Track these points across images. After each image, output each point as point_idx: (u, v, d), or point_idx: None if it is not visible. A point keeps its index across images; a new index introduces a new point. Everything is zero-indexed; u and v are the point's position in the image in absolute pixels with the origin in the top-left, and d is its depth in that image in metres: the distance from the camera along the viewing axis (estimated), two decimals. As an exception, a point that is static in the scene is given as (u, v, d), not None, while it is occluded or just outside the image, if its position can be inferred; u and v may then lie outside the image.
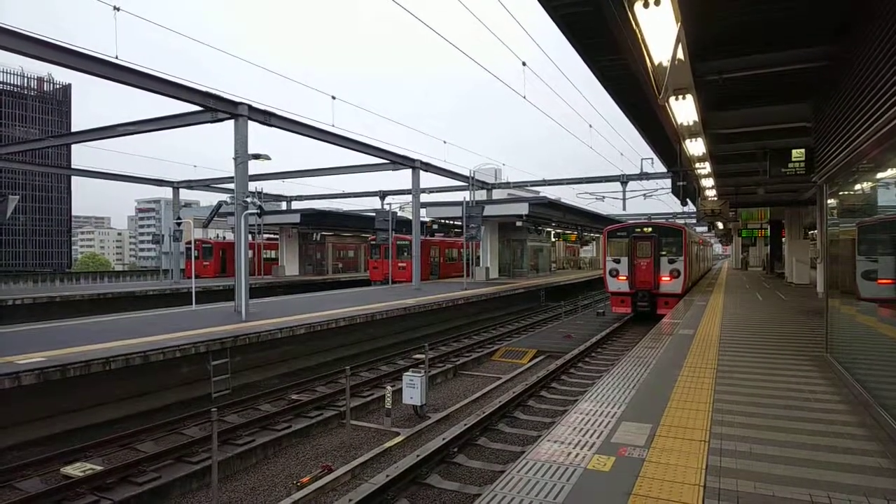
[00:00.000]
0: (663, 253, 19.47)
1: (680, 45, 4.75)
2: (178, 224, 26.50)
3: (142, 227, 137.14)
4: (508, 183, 35.67)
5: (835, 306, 7.99)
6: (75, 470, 7.19)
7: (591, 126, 24.61)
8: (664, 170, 24.09)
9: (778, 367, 7.95)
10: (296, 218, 33.74)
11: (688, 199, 26.21)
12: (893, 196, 5.45)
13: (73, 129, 61.94)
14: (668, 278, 19.22)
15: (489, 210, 27.46)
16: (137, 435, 8.74)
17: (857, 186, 6.95)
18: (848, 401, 6.18)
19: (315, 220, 35.32)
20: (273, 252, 39.45)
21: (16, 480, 7.06)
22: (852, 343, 7.26)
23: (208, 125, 15.59)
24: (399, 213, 34.46)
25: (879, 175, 5.85)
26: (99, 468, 7.27)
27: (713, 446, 4.82)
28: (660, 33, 4.67)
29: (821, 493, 3.91)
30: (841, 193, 7.72)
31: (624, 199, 28.39)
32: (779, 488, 3.98)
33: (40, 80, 68.63)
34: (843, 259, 7.51)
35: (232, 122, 15.19)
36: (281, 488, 7.12)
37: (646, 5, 4.24)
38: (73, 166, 50.39)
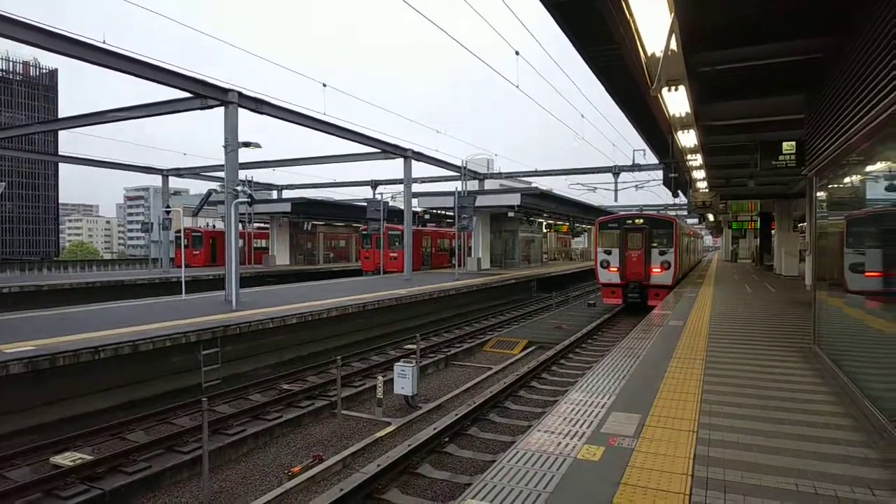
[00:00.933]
0: (654, 244, 19.56)
1: (673, 36, 4.73)
2: (168, 212, 26.28)
3: (130, 215, 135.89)
4: (500, 173, 35.62)
5: (822, 298, 8.07)
6: (65, 459, 7.15)
7: (583, 116, 24.60)
8: (656, 161, 24.17)
9: (766, 358, 8.04)
10: (287, 207, 33.57)
11: (679, 191, 26.34)
12: (881, 189, 5.49)
13: (61, 115, 61.11)
14: (658, 270, 19.33)
15: (481, 200, 27.44)
16: (127, 424, 8.70)
17: (847, 179, 7.00)
18: (835, 392, 6.26)
19: (306, 210, 35.15)
20: (264, 241, 39.24)
21: (5, 470, 7.02)
22: (839, 335, 7.35)
23: (199, 113, 15.43)
24: (391, 203, 34.33)
25: (868, 168, 5.89)
26: (89, 458, 7.23)
27: (701, 436, 4.87)
28: (653, 23, 4.65)
29: (807, 482, 3.96)
30: (830, 186, 7.78)
31: (616, 191, 28.42)
32: (765, 478, 4.03)
33: (26, 64, 67.62)
34: (831, 251, 7.57)
35: (222, 109, 15.04)
36: (272, 477, 7.12)
37: (640, -5, 4.22)
38: (60, 153, 49.70)
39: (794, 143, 9.79)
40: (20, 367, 8.06)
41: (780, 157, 9.88)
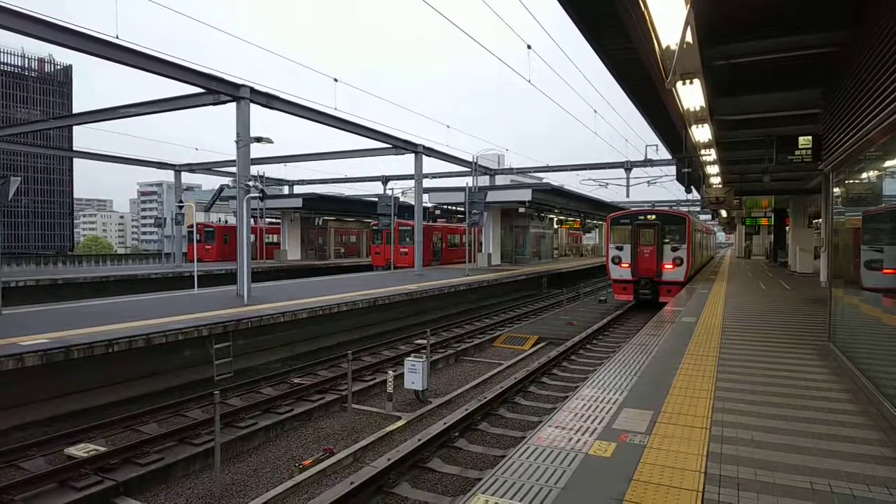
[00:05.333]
0: (666, 241, 19.40)
1: (689, 28, 4.66)
2: (181, 207, 26.54)
3: (144, 210, 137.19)
4: (511, 169, 35.50)
5: (838, 295, 7.96)
6: (79, 451, 7.24)
7: (595, 111, 24.42)
8: (669, 157, 23.95)
9: (780, 355, 7.95)
10: (298, 202, 33.71)
11: (692, 187, 26.10)
12: (900, 185, 5.39)
13: (75, 111, 61.67)
14: (670, 266, 19.18)
15: (492, 196, 27.36)
16: (140, 417, 8.79)
17: (864, 175, 6.88)
18: (850, 389, 6.18)
19: (317, 205, 35.29)
20: (275, 236, 39.46)
21: (20, 460, 7.12)
22: (855, 332, 7.24)
23: (211, 109, 15.50)
24: (401, 199, 34.36)
25: (886, 163, 5.79)
26: (102, 449, 7.31)
27: (714, 433, 4.82)
28: (668, 15, 4.59)
29: (821, 480, 3.91)
30: (847, 182, 7.65)
31: (628, 186, 28.29)
32: (780, 475, 3.98)
33: (41, 60, 68.27)
34: (847, 248, 7.46)
35: (234, 105, 15.10)
36: (283, 470, 7.16)
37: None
38: (74, 148, 50.22)
39: (810, 137, 9.64)
40: (35, 360, 8.16)
41: (797, 152, 9.74)
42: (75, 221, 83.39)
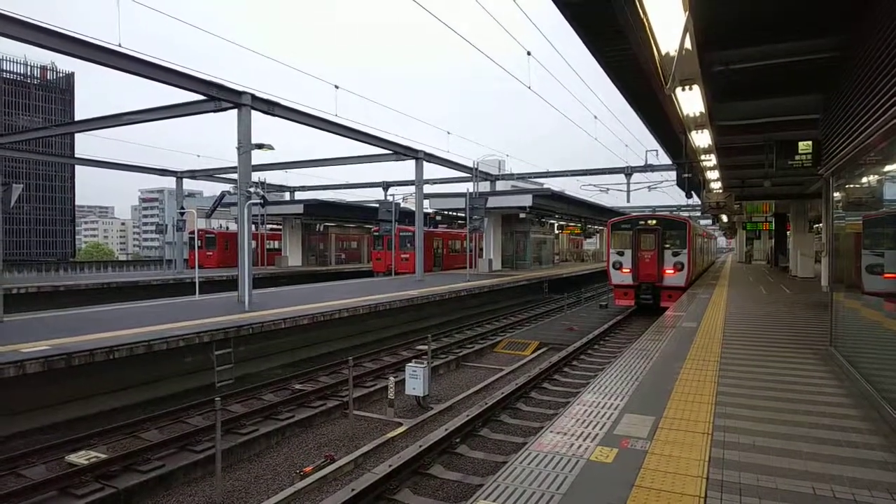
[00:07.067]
0: (667, 246, 19.40)
1: (688, 35, 4.69)
2: (182, 214, 26.59)
3: (145, 216, 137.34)
4: (512, 174, 35.56)
5: (839, 300, 7.96)
6: (80, 458, 7.23)
7: (595, 117, 24.48)
8: (669, 162, 23.97)
9: (782, 360, 7.93)
10: (299, 208, 33.75)
11: (692, 192, 26.09)
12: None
13: (77, 118, 61.88)
14: (671, 271, 19.17)
15: (492, 202, 27.38)
16: (141, 424, 8.78)
17: (864, 179, 6.89)
18: (852, 394, 6.17)
19: (318, 211, 35.33)
20: (276, 242, 39.52)
21: (20, 468, 7.10)
22: (857, 337, 7.24)
23: (212, 116, 15.56)
24: (402, 205, 34.38)
25: (887, 168, 5.80)
26: (103, 456, 7.30)
27: (716, 439, 4.81)
28: (667, 22, 4.61)
29: (824, 486, 3.90)
30: (847, 186, 7.66)
31: (628, 192, 28.22)
32: (781, 481, 3.98)
33: (43, 68, 68.61)
34: (847, 253, 7.46)
35: (235, 111, 15.15)
36: (284, 477, 7.15)
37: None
38: (76, 155, 50.42)
39: (810, 142, 9.64)
40: (36, 367, 8.16)
41: (797, 157, 9.73)
42: (77, 228, 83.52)
